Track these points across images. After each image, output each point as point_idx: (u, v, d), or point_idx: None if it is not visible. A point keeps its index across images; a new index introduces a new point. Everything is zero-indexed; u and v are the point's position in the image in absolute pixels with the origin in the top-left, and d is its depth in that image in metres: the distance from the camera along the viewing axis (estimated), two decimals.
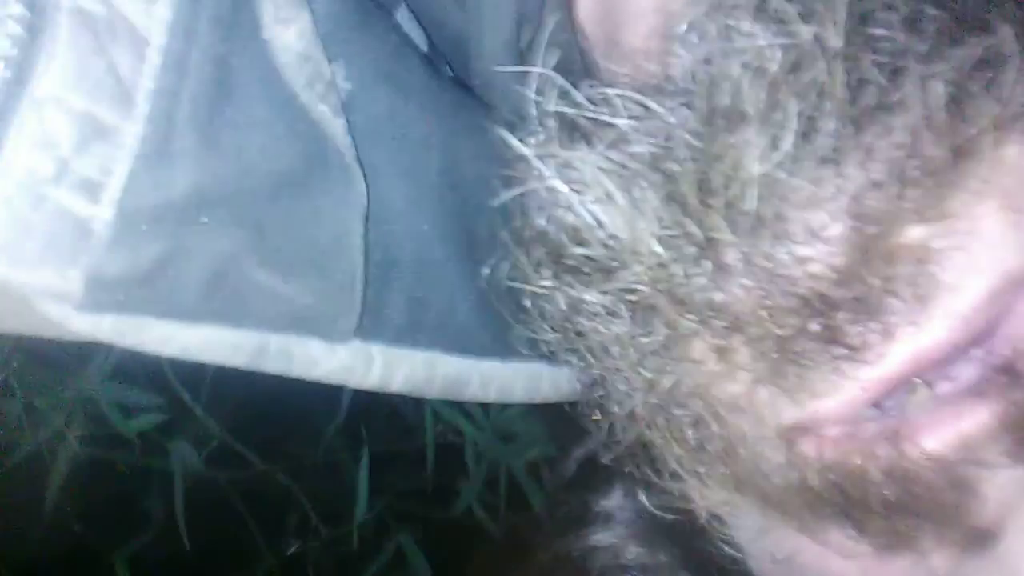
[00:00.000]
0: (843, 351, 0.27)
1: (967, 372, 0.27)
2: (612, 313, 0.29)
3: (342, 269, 0.34)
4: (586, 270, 0.29)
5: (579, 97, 0.28)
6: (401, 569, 1.14)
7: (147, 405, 1.04)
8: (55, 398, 1.03)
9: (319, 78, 0.33)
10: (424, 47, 0.39)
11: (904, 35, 0.26)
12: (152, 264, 0.31)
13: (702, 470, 0.31)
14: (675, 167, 0.27)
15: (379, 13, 0.37)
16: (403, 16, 0.39)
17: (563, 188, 0.28)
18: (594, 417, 0.34)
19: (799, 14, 0.25)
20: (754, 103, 0.26)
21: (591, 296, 0.29)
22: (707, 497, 0.32)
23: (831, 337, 0.27)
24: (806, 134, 0.26)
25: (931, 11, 0.25)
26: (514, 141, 0.29)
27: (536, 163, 0.29)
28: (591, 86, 0.29)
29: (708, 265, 0.27)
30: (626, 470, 0.34)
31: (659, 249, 0.27)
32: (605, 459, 0.35)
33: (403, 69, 0.36)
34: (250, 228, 0.32)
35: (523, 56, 0.33)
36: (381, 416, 1.21)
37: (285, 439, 1.20)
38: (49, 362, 1.01)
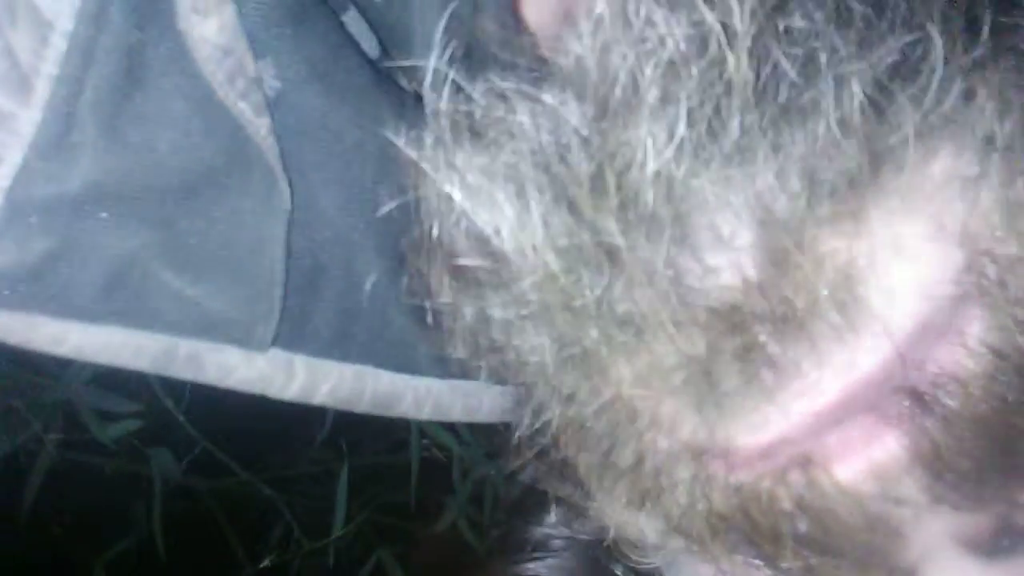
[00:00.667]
0: (766, 374, 0.25)
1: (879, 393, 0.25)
2: (516, 327, 0.27)
3: (260, 275, 0.32)
4: (484, 282, 0.27)
5: (475, 92, 0.26)
6: None
7: (127, 411, 1.03)
8: (34, 401, 1.02)
9: (241, 74, 0.31)
10: (375, 52, 0.38)
11: (823, 27, 0.23)
12: (41, 258, 0.29)
13: (608, 484, 0.29)
14: (565, 167, 0.25)
15: (321, 12, 0.35)
16: (352, 19, 0.37)
17: (454, 194, 0.26)
18: (522, 435, 0.32)
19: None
20: (650, 94, 0.24)
21: (494, 310, 0.27)
22: (615, 516, 0.30)
23: (751, 356, 0.24)
24: (709, 130, 0.24)
25: (856, 4, 0.23)
26: (400, 143, 0.27)
27: (425, 167, 0.26)
28: (488, 80, 0.26)
29: (603, 276, 0.25)
30: (555, 492, 0.32)
31: (549, 258, 0.25)
32: (536, 481, 0.33)
33: (340, 70, 0.34)
34: (156, 227, 0.30)
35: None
36: (368, 430, 1.19)
37: (269, 450, 1.19)
38: (28, 364, 1.00)
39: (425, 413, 0.37)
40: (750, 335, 0.24)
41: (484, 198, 0.26)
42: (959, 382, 0.24)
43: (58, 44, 0.29)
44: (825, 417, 0.24)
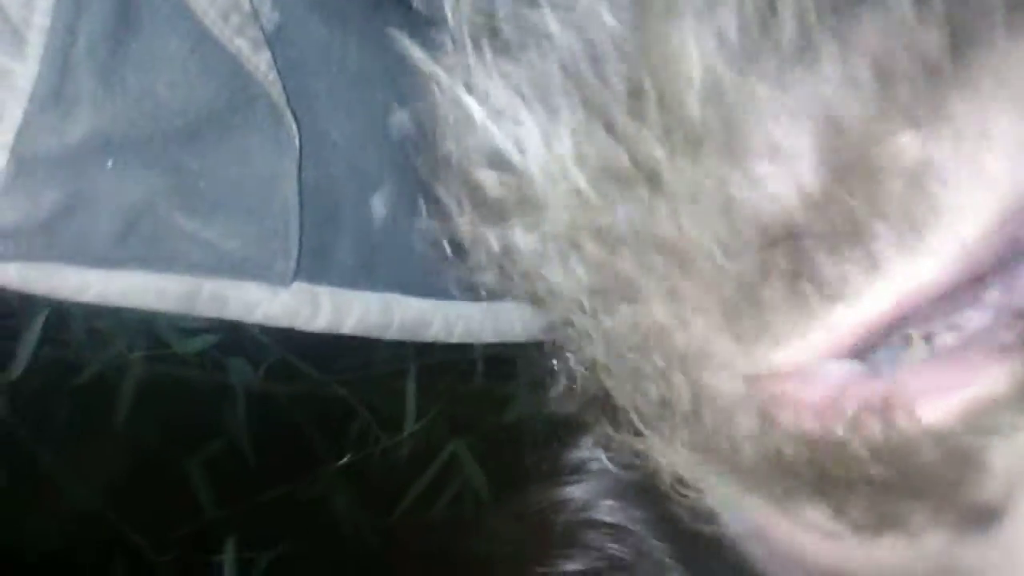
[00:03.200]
0: (814, 288, 0.22)
1: (975, 319, 0.22)
2: (545, 256, 0.25)
3: (274, 212, 0.32)
4: (508, 207, 0.24)
5: None
6: (457, 475, 1.17)
7: (202, 326, 1.07)
8: (116, 322, 1.07)
9: (235, 9, 0.30)
10: None
11: None
12: (53, 211, 0.29)
13: (666, 430, 0.27)
14: (599, 76, 0.22)
15: None
16: None
17: (473, 108, 0.23)
18: (556, 363, 0.32)
19: None
20: None
21: (520, 237, 0.25)
22: (672, 460, 0.28)
23: (799, 271, 0.22)
24: (762, 24, 0.21)
25: None
26: (414, 52, 0.24)
27: (441, 76, 0.23)
28: None
29: (641, 196, 0.22)
30: (597, 427, 0.31)
31: (578, 178, 0.23)
32: (570, 408, 0.32)
33: None
34: (163, 172, 0.30)
35: None
36: None
37: (341, 354, 1.23)
38: None
39: (456, 336, 0.37)
40: (807, 250, 0.22)
41: (507, 112, 0.23)
42: None
43: None
44: (871, 330, 0.22)
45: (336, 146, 0.33)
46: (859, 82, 0.21)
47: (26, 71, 0.28)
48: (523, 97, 0.23)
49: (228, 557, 1.10)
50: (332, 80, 0.33)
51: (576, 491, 0.34)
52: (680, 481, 0.29)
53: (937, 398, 0.22)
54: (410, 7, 0.35)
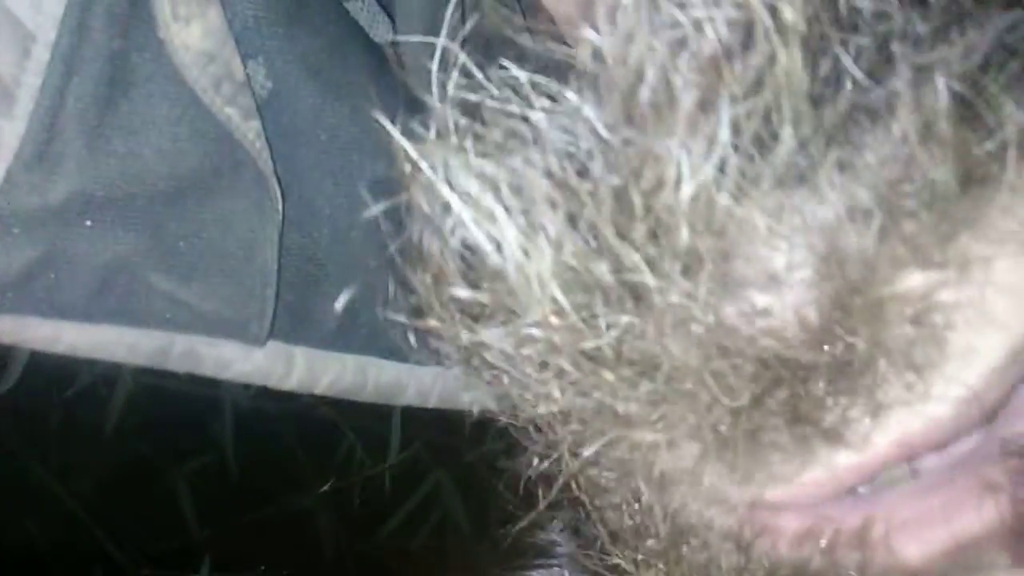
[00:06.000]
0: (815, 431, 0.21)
1: (960, 445, 0.22)
2: (517, 363, 0.23)
3: (252, 276, 0.33)
4: (480, 306, 0.23)
5: (485, 81, 0.22)
6: (438, 506, 1.16)
7: None
8: None
9: (227, 79, 0.31)
10: (388, 36, 0.36)
11: (894, 8, 0.19)
12: (27, 267, 0.30)
13: (638, 560, 0.26)
14: (583, 180, 0.20)
15: (319, 2, 0.34)
16: (362, 5, 0.36)
17: (451, 199, 0.22)
18: (529, 443, 0.30)
19: None
20: (684, 96, 0.19)
21: (490, 338, 0.23)
22: None
23: (800, 413, 0.21)
24: (758, 142, 0.19)
25: None
26: (395, 132, 0.22)
27: (420, 163, 0.22)
28: (502, 68, 0.22)
29: (624, 316, 0.21)
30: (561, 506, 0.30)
31: (557, 291, 0.21)
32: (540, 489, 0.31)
33: (336, 66, 0.33)
34: (144, 232, 0.31)
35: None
36: None
37: None
38: None
39: (433, 402, 0.37)
40: (803, 388, 0.21)
41: (485, 209, 0.21)
42: None
43: (40, 55, 0.29)
44: (870, 472, 0.22)
45: (321, 213, 0.34)
46: (862, 213, 0.19)
47: (13, 129, 0.29)
48: (501, 192, 0.21)
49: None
50: (323, 148, 0.33)
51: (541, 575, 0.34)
52: None
53: (922, 533, 0.21)
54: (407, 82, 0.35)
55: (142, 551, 1.19)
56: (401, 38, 0.34)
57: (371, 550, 1.20)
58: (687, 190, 0.20)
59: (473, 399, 0.37)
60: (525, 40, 0.24)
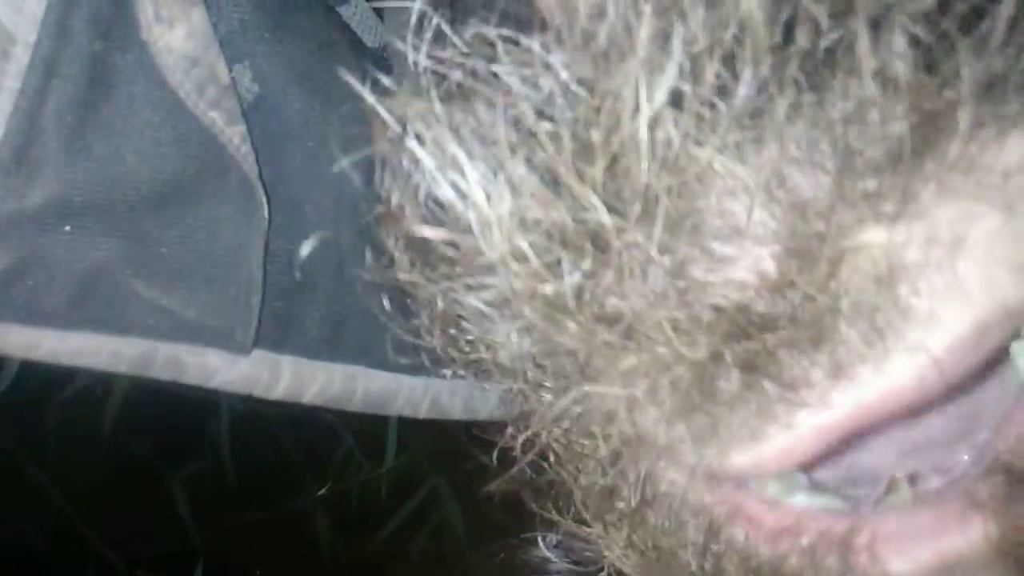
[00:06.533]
0: (774, 387, 0.21)
1: (964, 462, 0.21)
2: (486, 318, 0.23)
3: (237, 282, 0.32)
4: (450, 262, 0.23)
5: (456, 38, 0.21)
6: (436, 511, 1.16)
7: None
8: None
9: (211, 82, 0.30)
10: (380, 41, 0.36)
11: None
12: (4, 273, 0.29)
13: (609, 525, 0.26)
14: (543, 124, 0.20)
15: (307, 9, 0.33)
16: (353, 9, 0.35)
17: (419, 152, 0.21)
18: (512, 445, 0.30)
19: None
20: (642, 32, 0.19)
21: (463, 297, 0.23)
22: (614, 554, 0.27)
23: (758, 365, 0.20)
24: (717, 84, 0.19)
25: None
26: (364, 92, 0.22)
27: (389, 119, 0.22)
28: (473, 26, 0.22)
29: (585, 261, 0.21)
30: (547, 515, 0.30)
31: (517, 235, 0.21)
32: (527, 495, 0.31)
33: (324, 70, 0.33)
34: (125, 238, 0.30)
35: None
36: None
37: None
38: None
39: (423, 412, 0.37)
40: (761, 340, 0.20)
41: (450, 159, 0.21)
42: None
43: (20, 57, 0.28)
44: (832, 437, 0.21)
45: (308, 219, 0.33)
46: (824, 165, 0.19)
47: None
48: (465, 142, 0.21)
49: None
50: (310, 154, 0.33)
51: None
52: None
53: (908, 546, 0.21)
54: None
55: (137, 553, 1.18)
56: (377, 4, 0.33)
57: (368, 554, 1.19)
58: (644, 129, 0.19)
59: (466, 407, 0.37)
60: None
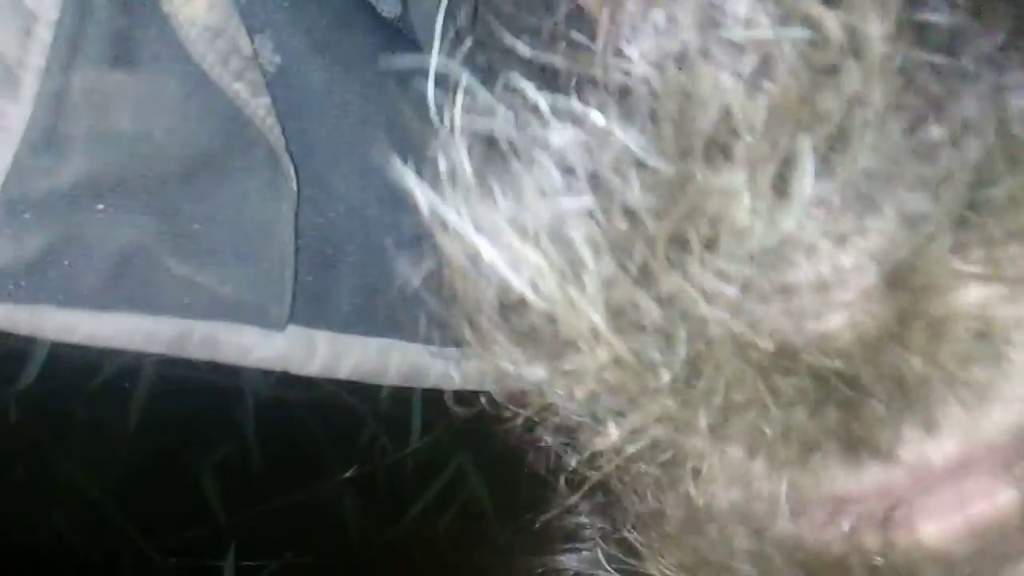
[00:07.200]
0: (865, 446, 0.20)
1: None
2: (566, 395, 0.22)
3: (269, 257, 0.32)
4: (521, 340, 0.22)
5: (490, 99, 0.20)
6: (462, 490, 1.16)
7: None
8: None
9: (235, 53, 0.30)
10: (396, 10, 0.35)
11: (966, 22, 0.18)
12: (40, 253, 0.29)
13: (657, 542, 0.26)
14: (628, 219, 0.19)
15: None
16: None
17: (481, 248, 0.20)
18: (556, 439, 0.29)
19: None
20: (749, 130, 0.18)
21: (531, 370, 0.22)
22: (662, 568, 0.26)
23: (851, 429, 0.20)
24: (827, 170, 0.18)
25: None
26: (410, 182, 0.21)
27: (443, 216, 0.20)
28: (511, 83, 0.20)
29: (682, 352, 0.20)
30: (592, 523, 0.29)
31: (613, 340, 0.20)
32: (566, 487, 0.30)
33: (344, 39, 0.32)
34: (157, 215, 0.30)
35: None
36: None
37: None
38: None
39: (456, 384, 0.36)
40: (859, 407, 0.20)
41: (518, 252, 0.20)
42: None
43: (43, 35, 0.28)
44: (924, 487, 0.21)
45: (335, 190, 0.33)
46: (921, 222, 0.19)
47: (19, 112, 0.28)
48: (530, 236, 0.20)
49: (229, 564, 1.10)
50: (333, 124, 0.32)
51: (570, 560, 0.33)
52: None
53: (937, 514, 0.21)
54: (418, 48, 0.34)
55: (168, 540, 1.19)
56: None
57: (396, 535, 1.19)
58: (758, 231, 0.18)
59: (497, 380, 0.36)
60: (527, 47, 0.21)
